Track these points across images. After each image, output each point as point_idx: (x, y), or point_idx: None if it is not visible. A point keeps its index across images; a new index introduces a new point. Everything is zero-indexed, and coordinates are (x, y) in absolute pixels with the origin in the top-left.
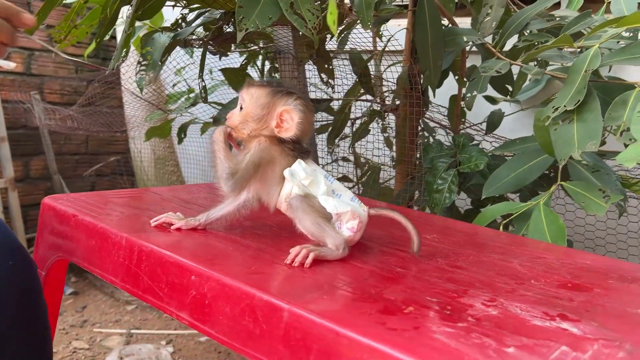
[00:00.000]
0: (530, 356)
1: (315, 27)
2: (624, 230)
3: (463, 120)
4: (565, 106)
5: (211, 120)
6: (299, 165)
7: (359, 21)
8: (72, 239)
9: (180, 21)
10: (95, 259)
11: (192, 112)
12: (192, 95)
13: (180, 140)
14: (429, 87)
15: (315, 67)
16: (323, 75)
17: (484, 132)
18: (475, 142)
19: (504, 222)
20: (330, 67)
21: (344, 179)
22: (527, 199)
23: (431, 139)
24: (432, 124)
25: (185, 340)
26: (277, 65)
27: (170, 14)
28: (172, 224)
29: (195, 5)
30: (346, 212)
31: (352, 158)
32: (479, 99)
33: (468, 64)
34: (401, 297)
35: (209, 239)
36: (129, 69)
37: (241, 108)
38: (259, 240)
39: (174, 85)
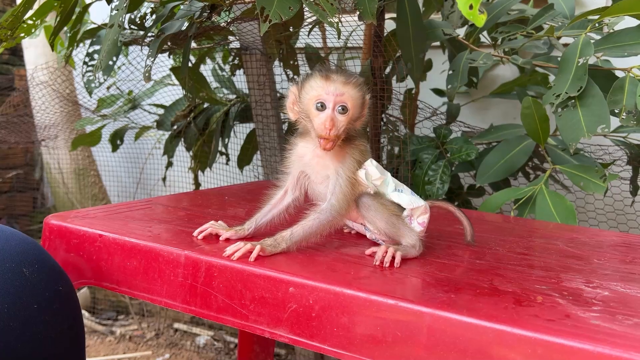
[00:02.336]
0: None
1: (336, 17)
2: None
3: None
4: (567, 92)
5: (154, 124)
6: (372, 164)
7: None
8: (100, 262)
9: (147, 16)
10: (138, 281)
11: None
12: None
13: (115, 148)
14: (392, 80)
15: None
16: (288, 71)
17: (445, 122)
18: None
19: (515, 207)
20: (296, 63)
21: None
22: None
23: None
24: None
25: None
26: (238, 62)
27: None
28: (220, 235)
29: None
30: (419, 207)
31: None
32: (429, 93)
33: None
34: (514, 287)
35: None
36: (45, 72)
37: (341, 110)
38: (324, 244)
39: (108, 87)
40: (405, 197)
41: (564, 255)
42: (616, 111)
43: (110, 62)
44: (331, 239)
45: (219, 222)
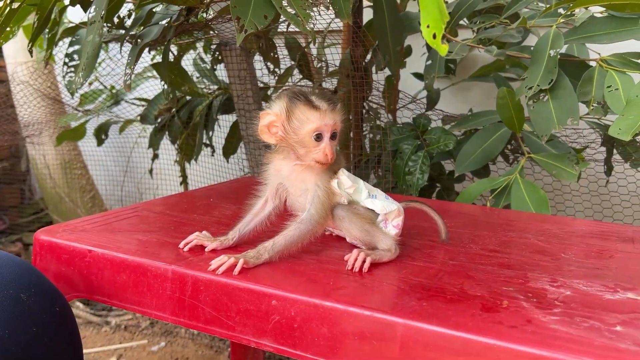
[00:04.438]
0: (637, 331)
1: (309, 23)
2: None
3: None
4: (539, 85)
5: (137, 117)
6: (343, 174)
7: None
8: (90, 276)
9: (126, 18)
10: (128, 295)
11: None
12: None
13: (100, 142)
14: (373, 69)
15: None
16: (269, 65)
17: (424, 108)
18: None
19: (492, 197)
20: (276, 55)
21: None
22: (480, 172)
23: (377, 121)
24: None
25: (137, 352)
26: (219, 57)
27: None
28: (205, 246)
29: (146, 2)
30: (393, 211)
31: None
32: (409, 77)
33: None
34: (483, 291)
35: None
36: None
37: (332, 137)
38: (305, 251)
39: (90, 83)
40: (379, 202)
41: (534, 250)
42: (586, 102)
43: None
44: (311, 243)
45: (204, 232)
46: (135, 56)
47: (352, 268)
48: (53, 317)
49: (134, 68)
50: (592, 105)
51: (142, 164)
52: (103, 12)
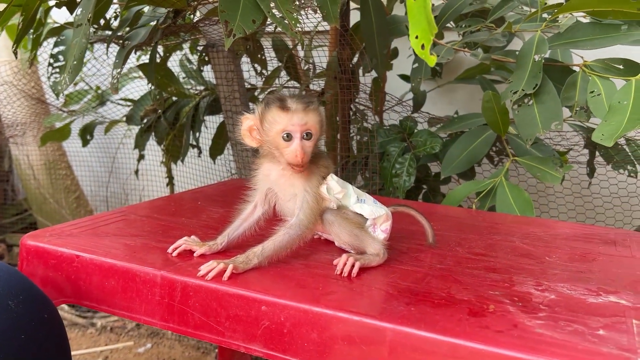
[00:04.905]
0: (619, 334)
1: (297, 27)
2: (559, 189)
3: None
4: (524, 90)
5: (123, 118)
6: (332, 179)
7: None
8: (78, 282)
9: (112, 19)
10: (117, 300)
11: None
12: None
13: (85, 143)
14: (359, 70)
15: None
16: (257, 66)
17: (411, 110)
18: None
19: (477, 199)
20: (263, 57)
21: None
22: (466, 174)
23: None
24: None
25: (123, 353)
26: (206, 58)
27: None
28: (194, 251)
29: (133, 3)
30: (381, 216)
31: None
32: (395, 79)
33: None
34: (470, 295)
35: None
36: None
37: (306, 137)
38: (294, 255)
39: (75, 83)
40: (367, 207)
41: (519, 253)
42: (569, 106)
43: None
44: (300, 247)
45: (192, 237)
46: (122, 58)
47: (341, 272)
48: (42, 324)
49: (121, 70)
50: (575, 110)
51: (127, 165)
52: (90, 15)
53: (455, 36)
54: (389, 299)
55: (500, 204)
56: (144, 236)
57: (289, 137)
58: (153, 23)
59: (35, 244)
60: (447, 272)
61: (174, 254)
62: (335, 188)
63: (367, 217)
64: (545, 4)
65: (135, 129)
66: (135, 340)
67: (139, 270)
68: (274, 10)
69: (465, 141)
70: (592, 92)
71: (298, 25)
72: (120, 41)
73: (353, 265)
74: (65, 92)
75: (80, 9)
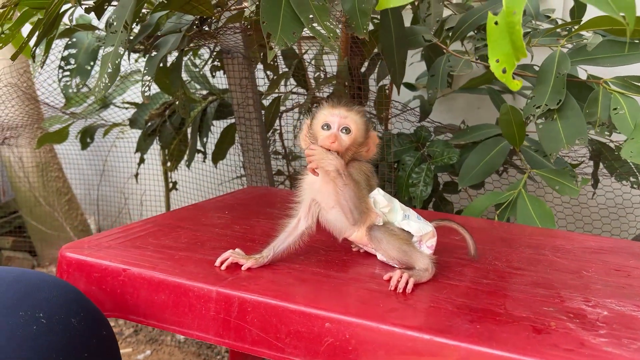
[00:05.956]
0: None
1: (337, 40)
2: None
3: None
4: (547, 105)
5: (125, 121)
6: (379, 193)
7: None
8: (125, 295)
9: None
10: (167, 315)
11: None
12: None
13: (85, 146)
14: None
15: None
16: (269, 73)
17: (417, 118)
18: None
19: (498, 212)
20: (275, 63)
21: (277, 173)
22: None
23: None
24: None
25: None
26: (218, 64)
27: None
28: (241, 264)
29: (159, 10)
30: (428, 233)
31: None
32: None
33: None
34: (527, 312)
35: (302, 276)
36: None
37: (345, 131)
38: (341, 269)
39: (77, 85)
40: (414, 224)
41: (555, 268)
42: (591, 122)
43: (88, 67)
44: (343, 259)
45: (237, 250)
46: (153, 66)
47: (396, 288)
48: (101, 342)
49: (152, 79)
50: (598, 127)
51: (118, 166)
52: (126, 21)
53: (458, 46)
54: (451, 316)
55: (521, 215)
56: (183, 248)
57: (327, 127)
58: (181, 30)
59: (77, 256)
60: (494, 288)
61: (222, 267)
62: (381, 202)
63: (413, 234)
64: (563, 21)
65: (130, 132)
66: (133, 347)
67: (193, 286)
68: (312, 22)
69: (481, 152)
70: (615, 109)
71: (335, 37)
72: (142, 47)
73: (407, 282)
74: (67, 94)
75: (115, 16)
